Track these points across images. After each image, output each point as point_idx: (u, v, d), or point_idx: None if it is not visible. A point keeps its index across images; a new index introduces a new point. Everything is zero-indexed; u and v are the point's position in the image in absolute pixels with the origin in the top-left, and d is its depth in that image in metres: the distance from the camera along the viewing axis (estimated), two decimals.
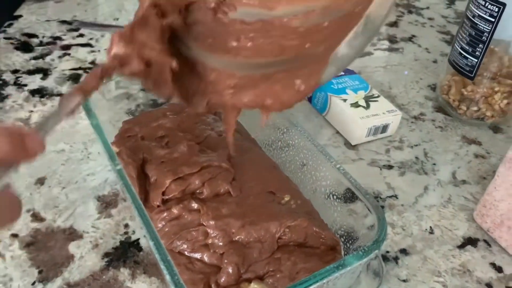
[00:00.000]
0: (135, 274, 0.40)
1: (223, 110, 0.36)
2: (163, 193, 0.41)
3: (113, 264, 0.41)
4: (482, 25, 0.54)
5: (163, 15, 0.31)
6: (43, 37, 0.72)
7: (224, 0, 0.32)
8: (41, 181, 0.48)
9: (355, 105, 0.57)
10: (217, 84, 0.33)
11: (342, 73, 0.62)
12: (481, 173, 0.54)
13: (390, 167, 0.54)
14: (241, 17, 0.32)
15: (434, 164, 0.55)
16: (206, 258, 0.37)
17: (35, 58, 0.67)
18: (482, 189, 0.52)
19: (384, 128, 0.57)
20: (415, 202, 0.50)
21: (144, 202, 0.41)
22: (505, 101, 0.58)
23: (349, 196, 0.39)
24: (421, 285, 0.42)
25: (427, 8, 0.92)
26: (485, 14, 0.53)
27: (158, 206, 0.41)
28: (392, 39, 0.80)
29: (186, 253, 0.38)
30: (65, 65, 0.66)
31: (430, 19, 0.88)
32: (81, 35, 0.73)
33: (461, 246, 0.46)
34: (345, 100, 0.57)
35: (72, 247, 0.42)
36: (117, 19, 0.78)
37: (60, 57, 0.68)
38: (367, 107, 0.56)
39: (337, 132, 0.58)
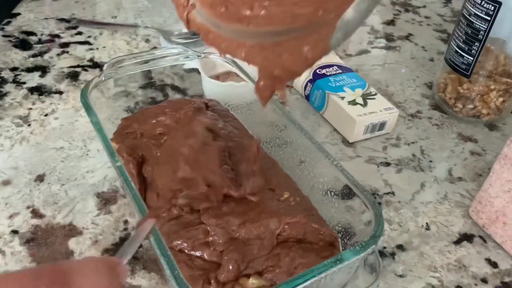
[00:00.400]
0: (135, 269, 0.41)
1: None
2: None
3: None
4: (478, 24, 0.54)
5: None
6: (41, 34, 0.72)
7: None
8: (40, 178, 0.48)
9: (353, 102, 0.57)
10: (229, 54, 0.34)
11: (340, 70, 0.62)
12: (476, 170, 0.55)
13: (387, 164, 0.55)
14: None
15: (431, 161, 0.56)
16: (206, 256, 0.37)
17: (33, 55, 0.67)
18: (477, 186, 0.52)
19: (381, 125, 0.57)
20: (412, 198, 0.50)
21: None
22: (500, 99, 0.59)
23: (347, 193, 0.40)
24: (417, 281, 0.42)
25: (424, 6, 0.93)
26: (481, 12, 0.54)
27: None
28: (389, 38, 0.81)
29: (186, 251, 0.38)
30: (64, 63, 0.66)
31: (426, 17, 0.89)
32: (80, 33, 0.73)
33: (457, 242, 0.46)
34: (342, 98, 0.58)
35: (72, 243, 0.42)
36: (115, 17, 0.79)
37: (58, 54, 0.68)
38: (365, 105, 0.57)
39: (335, 130, 0.59)
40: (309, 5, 0.31)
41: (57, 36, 0.72)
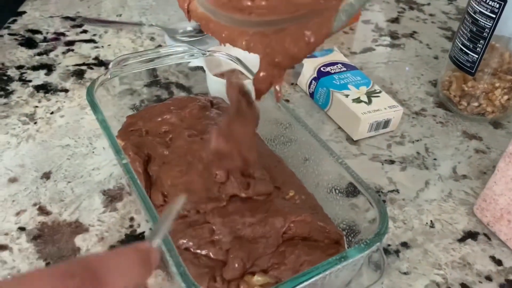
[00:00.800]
0: None
1: None
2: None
3: None
4: (483, 21, 0.54)
5: None
6: (47, 33, 0.72)
7: None
8: (47, 176, 0.49)
9: (357, 100, 0.57)
10: (230, 42, 0.34)
11: (344, 68, 0.62)
12: (481, 168, 0.55)
13: (391, 162, 0.55)
14: None
15: (435, 159, 0.56)
16: (212, 254, 0.38)
17: (39, 54, 0.67)
18: (482, 184, 0.52)
19: (386, 123, 0.57)
20: (416, 196, 0.51)
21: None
22: (505, 97, 0.59)
23: (351, 190, 0.40)
24: (421, 278, 0.42)
25: (428, 4, 0.92)
26: (486, 10, 0.54)
27: (162, 205, 0.41)
28: (393, 35, 0.81)
29: (191, 250, 0.38)
30: (69, 61, 0.67)
31: (431, 15, 0.89)
32: (85, 31, 0.74)
33: (461, 240, 0.46)
34: (347, 96, 0.58)
35: (78, 240, 0.43)
36: (120, 15, 0.79)
37: (64, 53, 0.68)
38: (369, 102, 0.57)
39: (339, 128, 0.59)
40: None
41: (63, 34, 0.72)
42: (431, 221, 0.48)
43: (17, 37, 0.71)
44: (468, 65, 0.58)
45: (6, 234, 0.43)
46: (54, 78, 0.63)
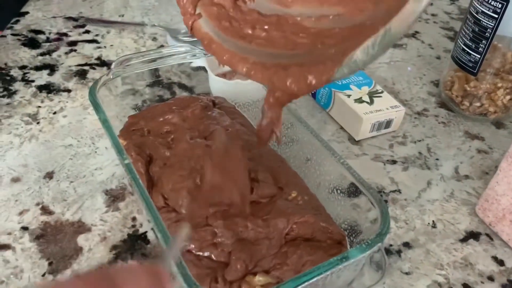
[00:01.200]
0: None
1: None
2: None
3: (121, 256, 0.42)
4: (485, 21, 0.54)
5: None
6: (49, 33, 0.73)
7: None
8: (49, 175, 0.49)
9: (359, 100, 0.57)
10: (230, 66, 0.34)
11: None
12: (483, 168, 0.55)
13: (393, 162, 0.55)
14: (258, 8, 0.33)
15: (437, 159, 0.56)
16: (214, 256, 0.37)
17: (42, 54, 0.68)
18: (484, 184, 0.52)
19: (388, 123, 0.57)
20: (418, 196, 0.51)
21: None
22: (508, 97, 0.58)
23: (353, 191, 0.40)
24: (423, 278, 0.42)
25: (431, 4, 0.92)
26: (488, 10, 0.54)
27: (163, 207, 0.41)
28: None
29: (193, 252, 0.38)
30: (72, 61, 0.67)
31: (433, 15, 0.89)
32: (87, 32, 0.74)
33: (463, 240, 0.46)
34: (349, 96, 0.58)
35: (81, 240, 0.43)
36: (122, 15, 0.79)
37: (66, 53, 0.68)
38: (371, 102, 0.57)
39: (341, 128, 0.59)
40: (307, 37, 0.31)
41: (65, 34, 0.73)
42: (433, 221, 0.48)
43: (20, 38, 0.71)
44: (470, 65, 0.58)
45: (9, 233, 0.43)
46: (56, 78, 0.63)
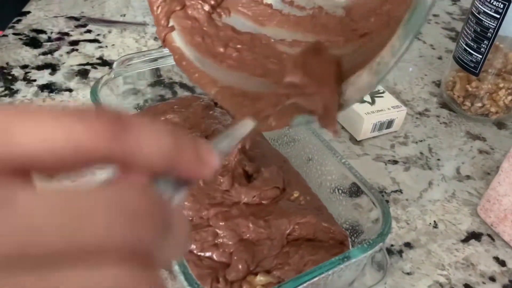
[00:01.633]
0: None
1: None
2: None
3: None
4: (487, 22, 0.54)
5: None
6: (51, 33, 0.73)
7: (221, 2, 0.33)
8: None
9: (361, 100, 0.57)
10: (200, 86, 0.33)
11: None
12: (485, 168, 0.55)
13: (395, 162, 0.55)
14: (233, 24, 0.33)
15: (439, 159, 0.56)
16: (215, 257, 0.38)
17: (43, 53, 0.68)
18: (486, 184, 0.52)
19: (389, 123, 0.57)
20: (420, 196, 0.50)
21: None
22: (509, 97, 0.58)
23: (355, 191, 0.40)
24: (425, 278, 0.42)
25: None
26: (490, 10, 0.53)
27: None
28: None
29: (194, 252, 0.38)
30: (73, 61, 0.67)
31: (435, 15, 0.88)
32: (89, 31, 0.74)
33: (465, 240, 0.46)
34: None
35: None
36: (124, 15, 0.79)
37: (68, 52, 0.68)
38: (373, 102, 0.57)
39: (342, 128, 0.59)
40: (278, 63, 0.30)
41: (67, 34, 0.73)
42: (434, 221, 0.48)
43: (22, 37, 0.71)
44: (472, 65, 0.58)
45: None
46: (58, 78, 0.63)
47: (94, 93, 0.45)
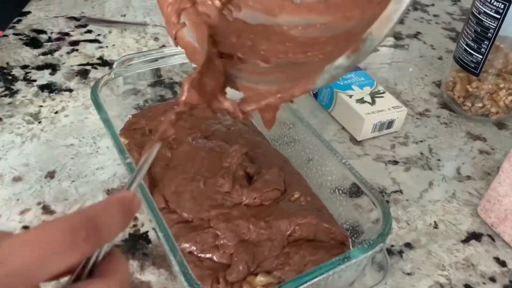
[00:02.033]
0: (144, 266, 0.41)
1: None
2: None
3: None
4: (487, 22, 0.54)
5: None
6: (51, 33, 0.73)
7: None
8: (51, 175, 0.49)
9: (361, 101, 0.57)
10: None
11: None
12: (485, 168, 0.55)
13: (395, 162, 0.55)
14: (244, 18, 0.33)
15: (439, 159, 0.56)
16: (215, 258, 0.38)
17: (43, 53, 0.68)
18: (486, 185, 0.52)
19: (390, 124, 0.57)
20: (420, 197, 0.50)
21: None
22: (510, 98, 0.58)
23: (355, 191, 0.40)
24: (425, 279, 0.42)
25: (432, 5, 0.92)
26: (490, 11, 0.53)
27: (164, 208, 0.41)
28: (397, 36, 0.81)
29: (195, 253, 0.38)
30: (73, 61, 0.67)
31: (435, 16, 0.88)
32: (89, 31, 0.74)
33: (465, 241, 0.46)
34: (351, 96, 0.58)
35: None
36: (124, 15, 0.79)
37: (68, 52, 0.68)
38: (373, 103, 0.57)
39: (343, 128, 0.59)
40: (293, 46, 0.30)
41: (67, 34, 0.73)
42: (434, 221, 0.48)
43: (22, 37, 0.71)
44: (473, 65, 0.58)
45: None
46: (58, 78, 0.63)
47: (94, 93, 0.45)
